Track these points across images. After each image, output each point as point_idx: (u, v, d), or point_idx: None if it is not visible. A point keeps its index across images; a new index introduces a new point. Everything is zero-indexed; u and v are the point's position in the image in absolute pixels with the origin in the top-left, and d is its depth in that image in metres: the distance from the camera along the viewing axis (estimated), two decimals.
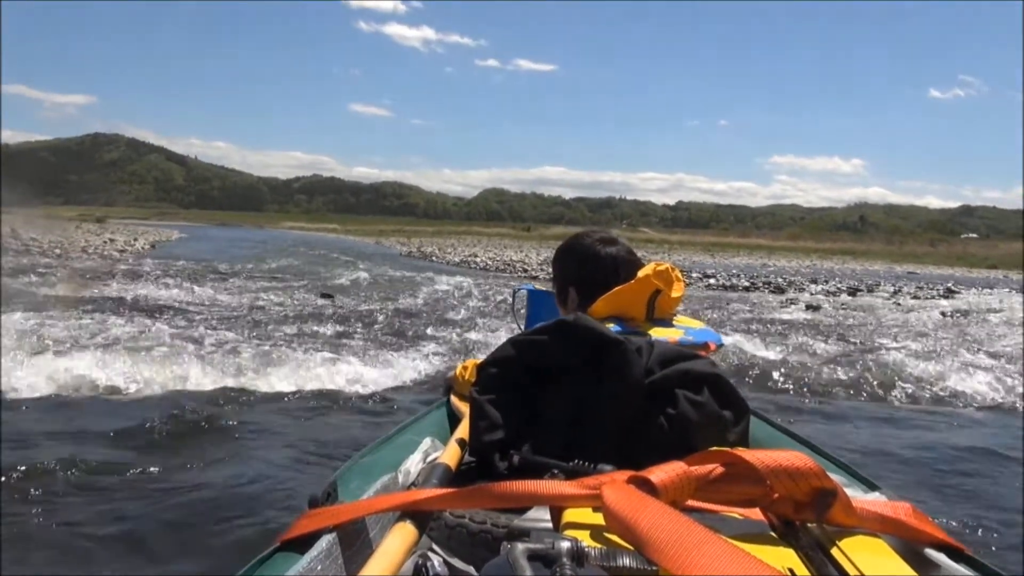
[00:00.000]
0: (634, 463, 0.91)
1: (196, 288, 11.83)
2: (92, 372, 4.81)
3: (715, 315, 11.20)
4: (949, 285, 24.54)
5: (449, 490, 0.93)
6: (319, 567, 0.87)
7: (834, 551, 0.75)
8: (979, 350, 8.21)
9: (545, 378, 1.24)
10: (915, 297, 18.61)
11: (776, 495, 0.78)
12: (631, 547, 0.66)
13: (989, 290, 24.26)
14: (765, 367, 6.52)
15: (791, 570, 0.69)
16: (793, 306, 14.04)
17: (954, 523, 2.96)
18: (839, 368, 6.56)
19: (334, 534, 0.92)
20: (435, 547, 1.09)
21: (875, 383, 6.11)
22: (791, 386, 5.98)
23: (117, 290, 10.79)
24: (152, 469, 3.20)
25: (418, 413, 1.80)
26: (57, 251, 19.38)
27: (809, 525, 0.79)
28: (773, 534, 0.79)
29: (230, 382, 4.99)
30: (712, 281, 20.87)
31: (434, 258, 30.66)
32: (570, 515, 0.81)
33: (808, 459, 0.77)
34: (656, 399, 1.18)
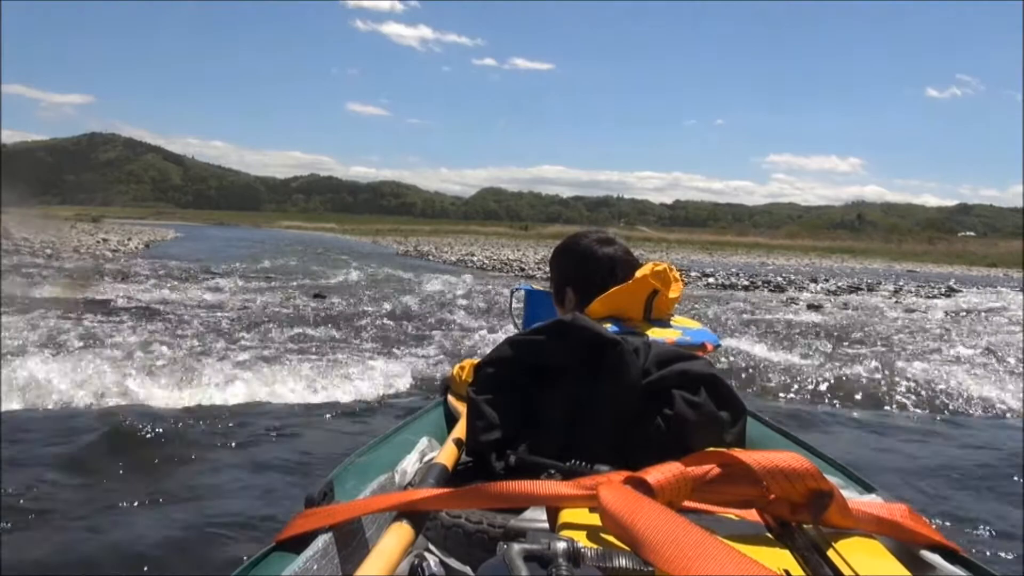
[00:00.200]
0: (631, 463, 0.91)
1: (186, 289, 11.66)
2: (72, 379, 4.67)
3: (715, 315, 11.16)
4: (951, 284, 24.54)
5: (446, 490, 0.93)
6: (315, 567, 0.87)
7: (830, 552, 0.75)
8: (985, 352, 8.09)
9: (542, 378, 1.24)
10: (917, 296, 18.56)
11: (772, 496, 0.78)
12: (627, 548, 0.66)
13: (992, 288, 24.24)
14: (765, 368, 6.50)
15: (787, 571, 0.69)
16: (794, 305, 13.98)
17: (950, 525, 2.96)
18: (840, 370, 6.49)
19: (330, 534, 0.92)
20: (431, 547, 1.09)
21: (877, 385, 6.03)
22: (791, 387, 5.94)
23: (101, 292, 10.58)
24: (128, 478, 3.16)
25: (415, 413, 1.80)
26: (48, 251, 19.21)
27: (805, 526, 0.79)
28: (769, 535, 0.79)
29: (219, 385, 4.91)
30: (711, 280, 20.85)
31: (430, 257, 30.61)
32: (566, 515, 0.81)
33: (804, 460, 0.77)
34: (653, 399, 1.18)
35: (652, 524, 0.62)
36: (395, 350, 6.71)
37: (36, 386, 4.52)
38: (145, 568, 2.39)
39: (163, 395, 4.67)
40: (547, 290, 1.88)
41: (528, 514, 0.96)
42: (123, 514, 2.80)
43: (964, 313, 13.75)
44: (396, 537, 0.86)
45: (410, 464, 1.33)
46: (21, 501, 2.83)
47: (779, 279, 22.71)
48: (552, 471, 1.04)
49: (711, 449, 0.87)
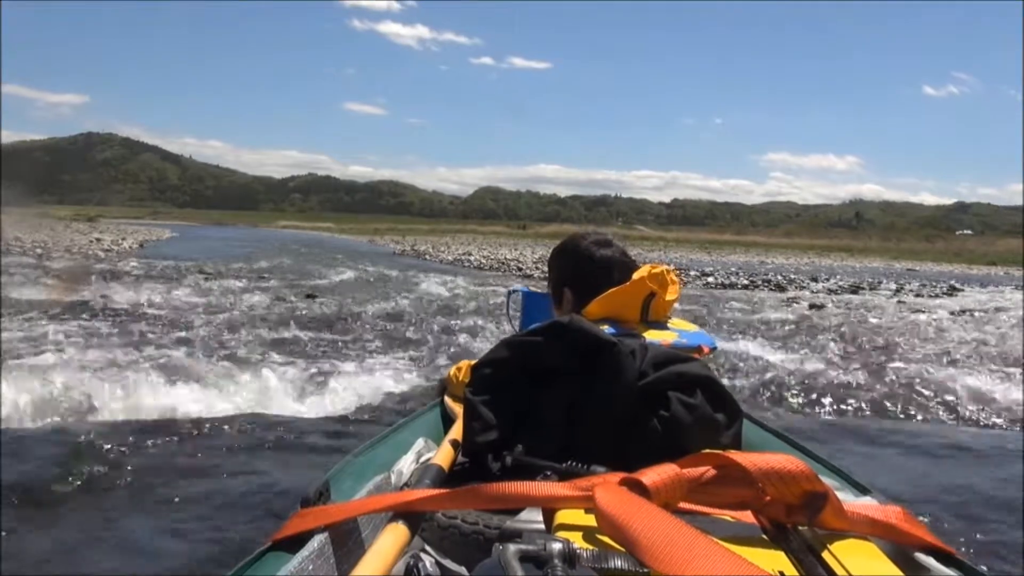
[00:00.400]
0: (627, 465, 0.91)
1: (175, 290, 11.48)
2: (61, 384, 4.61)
3: (715, 315, 11.10)
4: (952, 283, 24.56)
5: (442, 491, 0.93)
6: (311, 567, 0.87)
7: (824, 554, 0.75)
8: (992, 355, 7.90)
9: (539, 379, 1.24)
10: (918, 295, 18.50)
11: (767, 498, 0.78)
12: (623, 549, 0.66)
13: (995, 287, 24.24)
14: (766, 368, 6.45)
15: (781, 573, 0.69)
16: (796, 305, 13.87)
17: (947, 527, 2.95)
18: (841, 371, 6.43)
19: (326, 534, 0.92)
20: (427, 548, 1.09)
21: (878, 388, 5.95)
22: (791, 388, 5.86)
23: (88, 292, 10.39)
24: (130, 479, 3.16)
25: (412, 414, 1.81)
26: (39, 250, 19.02)
27: (800, 528, 0.79)
28: (764, 537, 0.79)
29: (212, 386, 4.87)
30: (711, 280, 20.83)
31: (427, 257, 30.54)
32: (562, 516, 0.81)
33: (799, 462, 0.77)
34: (649, 401, 1.18)
35: (647, 525, 0.63)
36: (391, 351, 6.70)
37: (29, 391, 4.44)
38: (142, 568, 2.40)
39: (153, 397, 4.58)
40: (543, 292, 1.88)
41: (524, 515, 0.96)
42: (120, 515, 2.80)
43: (969, 313, 13.55)
44: (392, 537, 0.86)
45: (406, 465, 1.33)
46: (17, 502, 2.83)
47: (779, 278, 22.70)
48: (548, 472, 1.04)
49: (707, 451, 0.87)
